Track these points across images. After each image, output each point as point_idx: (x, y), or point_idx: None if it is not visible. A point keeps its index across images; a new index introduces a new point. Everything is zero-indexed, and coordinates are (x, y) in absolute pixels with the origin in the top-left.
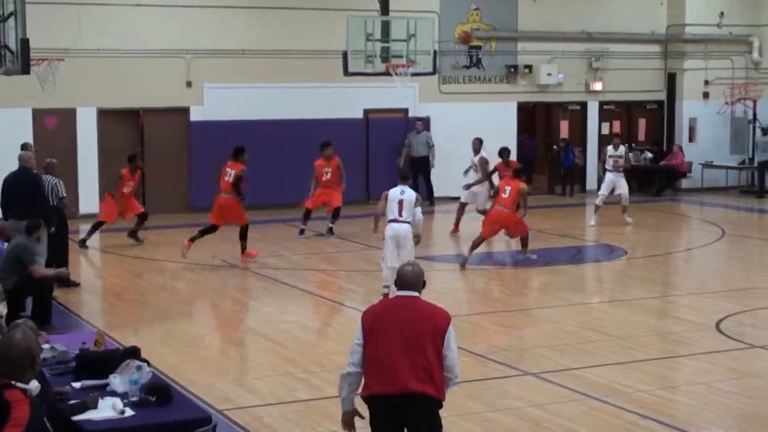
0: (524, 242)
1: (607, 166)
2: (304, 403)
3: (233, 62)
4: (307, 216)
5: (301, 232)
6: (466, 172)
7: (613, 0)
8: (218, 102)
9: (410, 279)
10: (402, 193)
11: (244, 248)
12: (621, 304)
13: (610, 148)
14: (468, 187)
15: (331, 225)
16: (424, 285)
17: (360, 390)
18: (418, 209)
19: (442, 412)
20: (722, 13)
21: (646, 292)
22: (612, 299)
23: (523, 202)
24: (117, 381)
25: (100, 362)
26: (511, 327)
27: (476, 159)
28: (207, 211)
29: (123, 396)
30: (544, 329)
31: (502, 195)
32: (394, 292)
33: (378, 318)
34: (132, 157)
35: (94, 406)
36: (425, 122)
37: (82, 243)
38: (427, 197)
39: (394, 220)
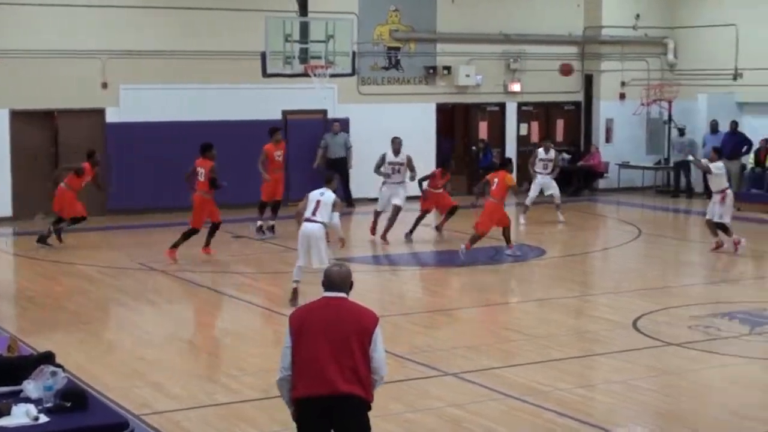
0: (507, 236)
1: (537, 169)
2: (223, 406)
3: (150, 63)
4: (263, 209)
5: (260, 229)
6: (414, 179)
7: (530, 2)
8: (134, 103)
9: (337, 280)
10: (321, 195)
11: (208, 243)
12: (540, 304)
13: (540, 151)
14: (423, 191)
15: (273, 223)
16: (351, 286)
17: (290, 393)
18: (336, 213)
19: None
20: (638, 16)
21: (564, 292)
22: (531, 299)
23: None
24: (31, 387)
25: (13, 368)
26: (431, 327)
27: (400, 158)
28: (124, 213)
29: (37, 402)
30: (464, 329)
31: (491, 186)
32: (306, 292)
33: (305, 320)
34: (92, 153)
35: (7, 413)
36: (344, 123)
37: (44, 240)
38: (345, 199)
39: (308, 220)
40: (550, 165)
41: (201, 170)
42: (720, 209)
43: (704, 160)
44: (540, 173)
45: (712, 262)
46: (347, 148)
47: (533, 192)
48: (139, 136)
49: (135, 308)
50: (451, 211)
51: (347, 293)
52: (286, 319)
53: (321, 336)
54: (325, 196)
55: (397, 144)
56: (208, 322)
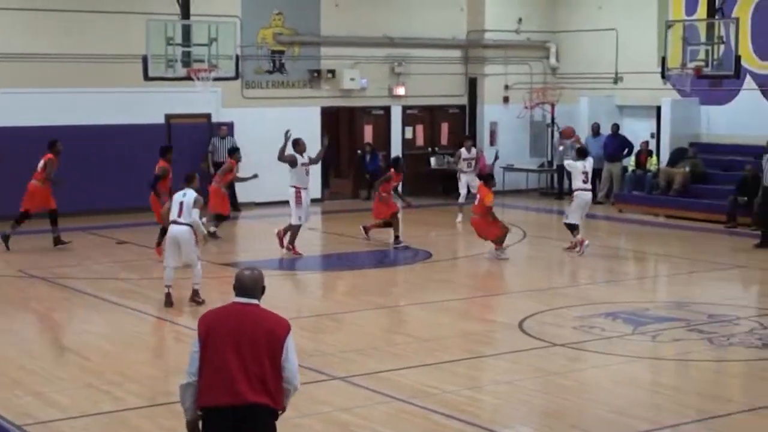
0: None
1: (461, 167)
2: (107, 415)
3: (30, 67)
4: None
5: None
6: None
7: (414, 6)
8: (13, 108)
9: (249, 285)
10: (184, 196)
11: (159, 243)
12: (426, 307)
13: (463, 151)
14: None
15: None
16: (263, 291)
17: (197, 401)
18: (196, 211)
19: None
20: (520, 20)
21: (451, 294)
22: (418, 302)
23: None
24: None
25: None
26: (318, 332)
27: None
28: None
29: None
30: (351, 333)
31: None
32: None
33: (214, 325)
34: (53, 142)
35: None
36: (229, 127)
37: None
38: (231, 204)
39: (174, 222)
40: (473, 162)
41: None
42: (567, 209)
43: (568, 161)
44: (464, 172)
45: (595, 263)
46: None
47: (462, 189)
48: (18, 141)
49: (15, 316)
50: (388, 222)
51: (259, 299)
52: (169, 325)
53: (230, 343)
54: (187, 196)
55: (302, 146)
56: (91, 329)
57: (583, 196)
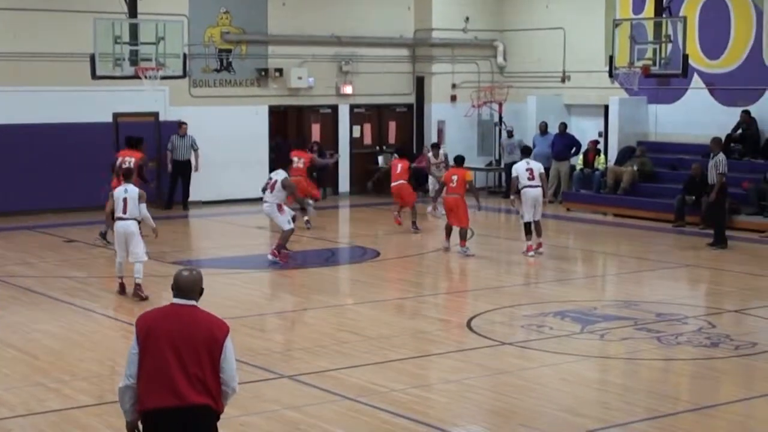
0: (464, 234)
1: (432, 171)
2: (55, 413)
3: None
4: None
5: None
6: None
7: (362, 4)
8: None
9: (187, 286)
10: (125, 192)
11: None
12: (375, 305)
13: (430, 156)
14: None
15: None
16: (201, 292)
17: (138, 404)
18: (143, 205)
19: None
20: (467, 19)
21: (399, 293)
22: (366, 300)
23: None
24: None
25: None
26: (266, 330)
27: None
28: None
29: None
30: (299, 331)
31: (450, 184)
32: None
33: (152, 327)
34: None
35: None
36: (176, 125)
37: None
38: (182, 201)
39: (120, 218)
40: (442, 165)
41: (130, 159)
42: (520, 207)
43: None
44: (435, 176)
45: (543, 262)
46: (194, 149)
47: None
48: None
49: None
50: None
51: (197, 300)
52: (118, 323)
53: (168, 345)
54: (129, 192)
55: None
56: (38, 327)
57: (529, 193)
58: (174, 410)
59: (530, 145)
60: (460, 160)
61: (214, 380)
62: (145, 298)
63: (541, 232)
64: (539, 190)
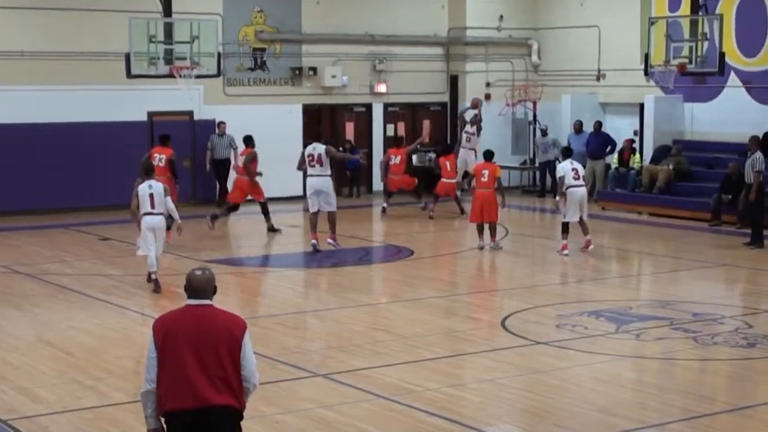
0: (494, 229)
1: (464, 143)
2: (91, 410)
3: (13, 64)
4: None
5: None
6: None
7: (395, 3)
8: None
9: (200, 285)
10: (150, 187)
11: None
12: (409, 304)
13: (467, 121)
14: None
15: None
16: (215, 290)
17: (159, 407)
18: (168, 198)
19: None
20: (501, 17)
21: (433, 292)
22: (400, 299)
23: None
24: None
25: None
26: (301, 329)
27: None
28: None
29: None
30: (334, 330)
31: (482, 178)
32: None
33: (169, 329)
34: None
35: None
36: (210, 124)
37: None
38: (218, 199)
39: (149, 213)
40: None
41: (162, 156)
42: (563, 209)
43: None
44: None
45: (578, 261)
46: (233, 148)
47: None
48: (2, 138)
49: (0, 312)
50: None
51: (211, 299)
52: (153, 320)
53: (187, 347)
54: (155, 188)
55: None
56: (74, 324)
57: (575, 193)
58: (195, 412)
59: (566, 143)
60: (489, 155)
61: (236, 378)
62: (158, 291)
63: (588, 230)
64: (584, 190)
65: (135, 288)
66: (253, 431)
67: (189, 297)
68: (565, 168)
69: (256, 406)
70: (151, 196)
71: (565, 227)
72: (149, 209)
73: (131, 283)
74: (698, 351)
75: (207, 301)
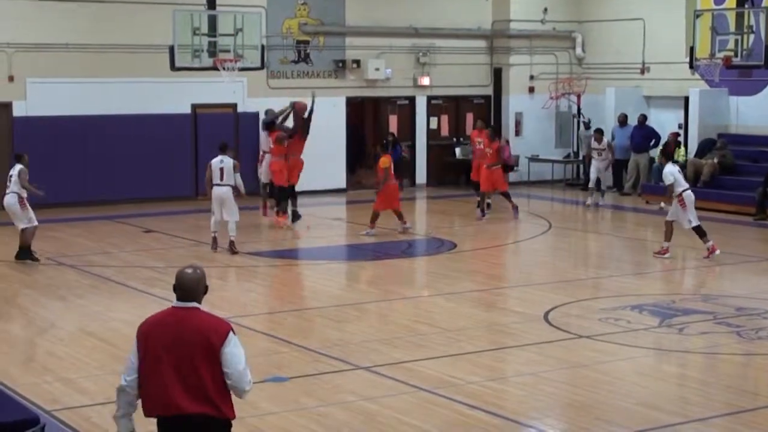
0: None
1: (593, 156)
2: None
3: (58, 56)
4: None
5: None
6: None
7: None
8: (42, 97)
9: (189, 285)
10: (222, 162)
11: (278, 212)
12: (451, 297)
13: (593, 142)
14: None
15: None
16: (206, 290)
17: (142, 411)
18: (237, 174)
19: (275, 407)
20: (546, 9)
21: (475, 285)
22: (442, 292)
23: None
24: None
25: None
26: (343, 321)
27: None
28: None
29: None
30: (375, 323)
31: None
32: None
33: (150, 334)
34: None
35: None
36: (255, 117)
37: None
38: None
39: (217, 185)
40: (603, 153)
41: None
42: (682, 214)
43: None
44: (595, 160)
45: (621, 254)
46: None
47: (593, 175)
48: (46, 130)
49: (44, 303)
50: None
51: (200, 300)
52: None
53: (164, 353)
54: (225, 162)
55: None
56: (117, 316)
57: (689, 196)
58: (171, 419)
59: (610, 137)
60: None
61: (215, 387)
62: (236, 252)
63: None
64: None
65: None
66: (296, 423)
67: (177, 298)
68: (675, 172)
69: (297, 399)
70: (221, 169)
71: (700, 231)
72: (218, 181)
73: (174, 275)
74: (741, 345)
75: (194, 304)
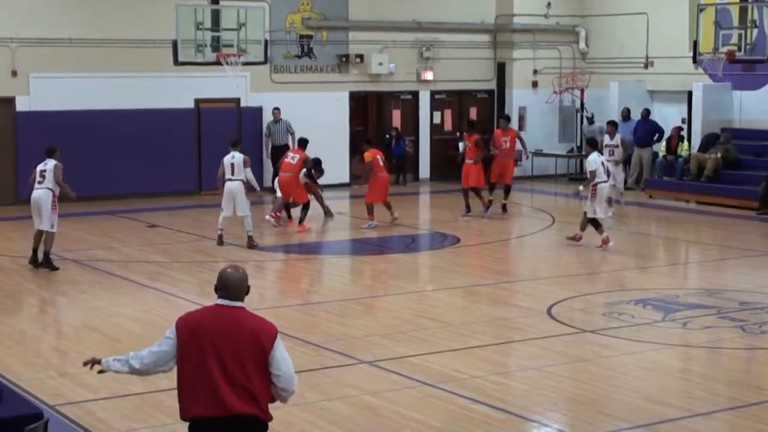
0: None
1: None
2: (137, 396)
3: (60, 51)
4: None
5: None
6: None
7: None
8: (45, 92)
9: (233, 285)
10: (232, 158)
11: (302, 219)
12: (455, 292)
13: (606, 138)
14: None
15: (504, 202)
16: (248, 291)
17: (179, 412)
18: (248, 169)
19: (278, 402)
20: (549, 4)
21: (479, 279)
22: (446, 287)
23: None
24: None
25: None
26: (346, 316)
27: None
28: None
29: None
30: (379, 318)
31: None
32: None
33: (195, 330)
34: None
35: None
36: (257, 111)
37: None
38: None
39: (228, 180)
40: (616, 150)
41: (296, 156)
42: (590, 201)
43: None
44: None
45: (625, 249)
46: (290, 133)
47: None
48: (49, 125)
49: (48, 298)
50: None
51: (243, 300)
52: (200, 307)
53: (213, 350)
54: (236, 158)
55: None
56: (121, 311)
57: (603, 188)
58: (219, 420)
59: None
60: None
61: (262, 389)
62: (255, 246)
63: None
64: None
65: (182, 274)
66: (300, 417)
67: (220, 297)
68: (598, 161)
69: (301, 393)
70: (232, 165)
71: (593, 221)
72: (229, 176)
73: (178, 270)
74: (745, 340)
75: (239, 303)
